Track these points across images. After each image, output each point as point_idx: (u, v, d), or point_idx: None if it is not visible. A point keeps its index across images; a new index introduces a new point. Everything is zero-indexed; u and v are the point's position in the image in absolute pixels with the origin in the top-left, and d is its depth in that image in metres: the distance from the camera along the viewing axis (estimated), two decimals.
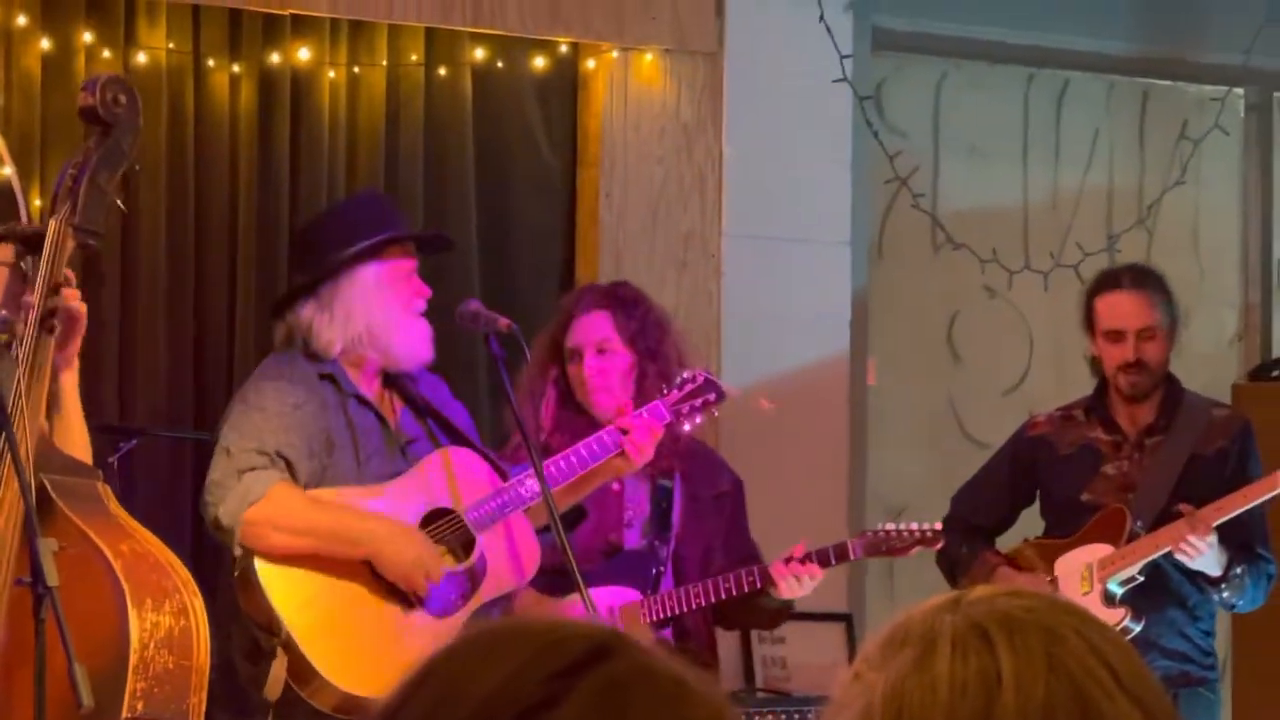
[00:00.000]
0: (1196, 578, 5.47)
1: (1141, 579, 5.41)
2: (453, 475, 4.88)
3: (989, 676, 1.43)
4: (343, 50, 6.16)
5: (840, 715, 1.47)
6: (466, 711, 1.34)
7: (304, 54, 6.10)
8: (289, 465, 4.73)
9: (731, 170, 6.51)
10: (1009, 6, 7.04)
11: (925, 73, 7.16)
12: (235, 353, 5.98)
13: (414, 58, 6.25)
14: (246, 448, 4.71)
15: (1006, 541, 5.73)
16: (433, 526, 4.82)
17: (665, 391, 5.12)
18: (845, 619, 6.46)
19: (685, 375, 5.16)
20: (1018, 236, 7.23)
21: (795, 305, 6.56)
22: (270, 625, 4.63)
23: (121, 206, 4.35)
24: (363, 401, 4.87)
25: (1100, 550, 5.45)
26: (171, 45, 5.96)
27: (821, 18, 6.41)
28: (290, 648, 4.61)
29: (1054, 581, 5.47)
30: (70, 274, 3.92)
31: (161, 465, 5.88)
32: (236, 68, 6.05)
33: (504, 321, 4.88)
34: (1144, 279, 5.64)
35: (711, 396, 5.14)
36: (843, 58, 6.48)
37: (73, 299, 3.89)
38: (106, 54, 5.86)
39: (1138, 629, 5.35)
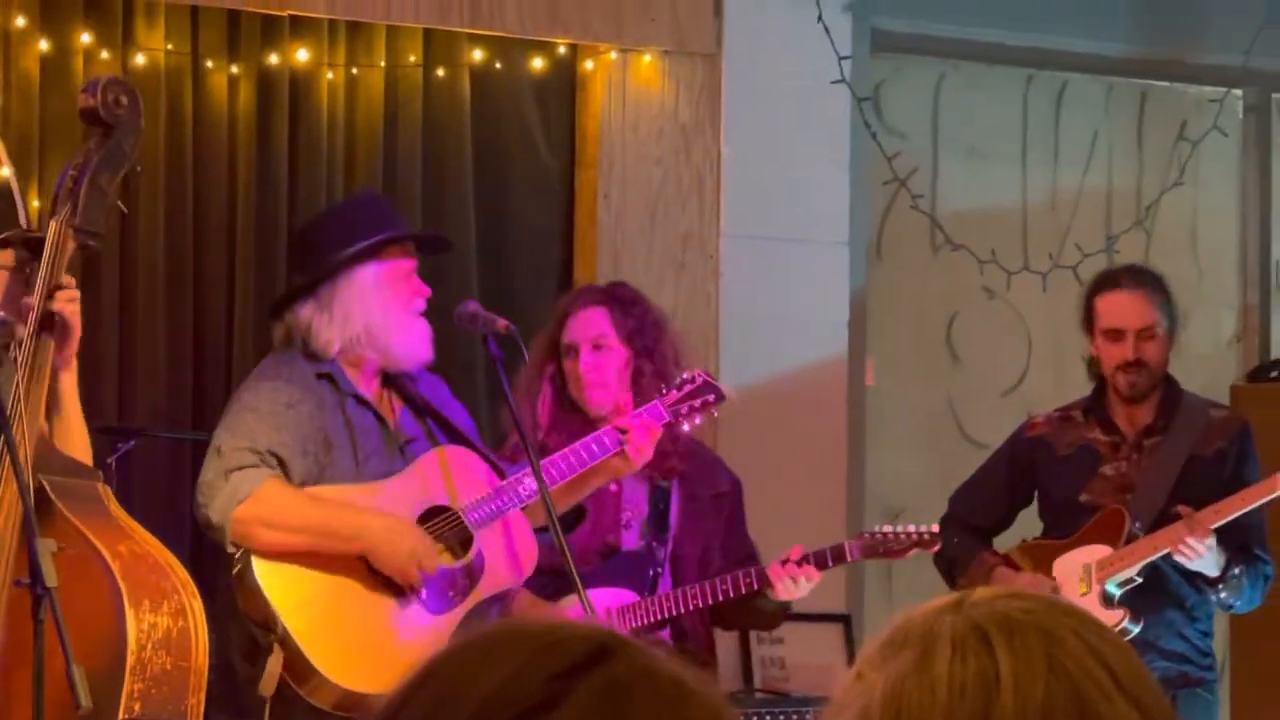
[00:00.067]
0: (1194, 578, 5.47)
1: (1140, 580, 5.41)
2: (450, 473, 4.88)
3: (987, 678, 1.43)
4: (341, 51, 6.17)
5: (840, 715, 1.47)
6: (466, 713, 1.34)
7: (302, 55, 6.10)
8: (281, 463, 4.73)
9: (730, 171, 6.51)
10: (1008, 8, 7.04)
11: (924, 74, 7.17)
12: (234, 353, 5.99)
13: (412, 59, 6.25)
14: (237, 446, 4.72)
15: (1004, 542, 5.74)
16: (430, 524, 4.82)
17: (664, 392, 5.12)
18: (844, 620, 6.46)
19: (685, 376, 5.16)
20: (1016, 237, 7.23)
21: (794, 306, 6.56)
22: (267, 622, 4.63)
23: (122, 208, 4.35)
24: (361, 401, 4.87)
25: (1099, 551, 5.45)
26: (170, 46, 5.96)
27: (820, 19, 6.41)
28: (288, 645, 4.61)
29: (1053, 583, 5.47)
30: (70, 279, 3.92)
31: (160, 466, 5.88)
32: (235, 69, 6.05)
33: (502, 323, 4.88)
34: (1144, 279, 5.64)
35: (711, 397, 5.14)
36: (841, 59, 6.48)
37: (67, 304, 3.89)
38: (105, 55, 5.86)
39: (1136, 630, 5.35)
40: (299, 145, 6.11)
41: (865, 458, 6.81)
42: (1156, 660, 5.39)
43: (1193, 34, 7.30)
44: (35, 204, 5.47)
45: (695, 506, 5.38)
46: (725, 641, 5.89)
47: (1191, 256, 7.51)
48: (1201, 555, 5.30)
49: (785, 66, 6.54)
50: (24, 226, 4.08)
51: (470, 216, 6.30)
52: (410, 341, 4.90)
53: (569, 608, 4.94)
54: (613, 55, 6.43)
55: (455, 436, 4.95)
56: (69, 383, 3.96)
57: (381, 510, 4.76)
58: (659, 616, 5.18)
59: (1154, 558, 5.38)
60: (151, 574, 3.81)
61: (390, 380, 4.95)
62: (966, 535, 5.65)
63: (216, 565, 4.88)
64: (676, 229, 6.48)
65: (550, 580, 5.00)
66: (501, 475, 4.91)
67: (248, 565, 4.66)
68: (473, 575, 4.84)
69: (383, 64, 6.21)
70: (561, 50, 6.41)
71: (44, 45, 5.81)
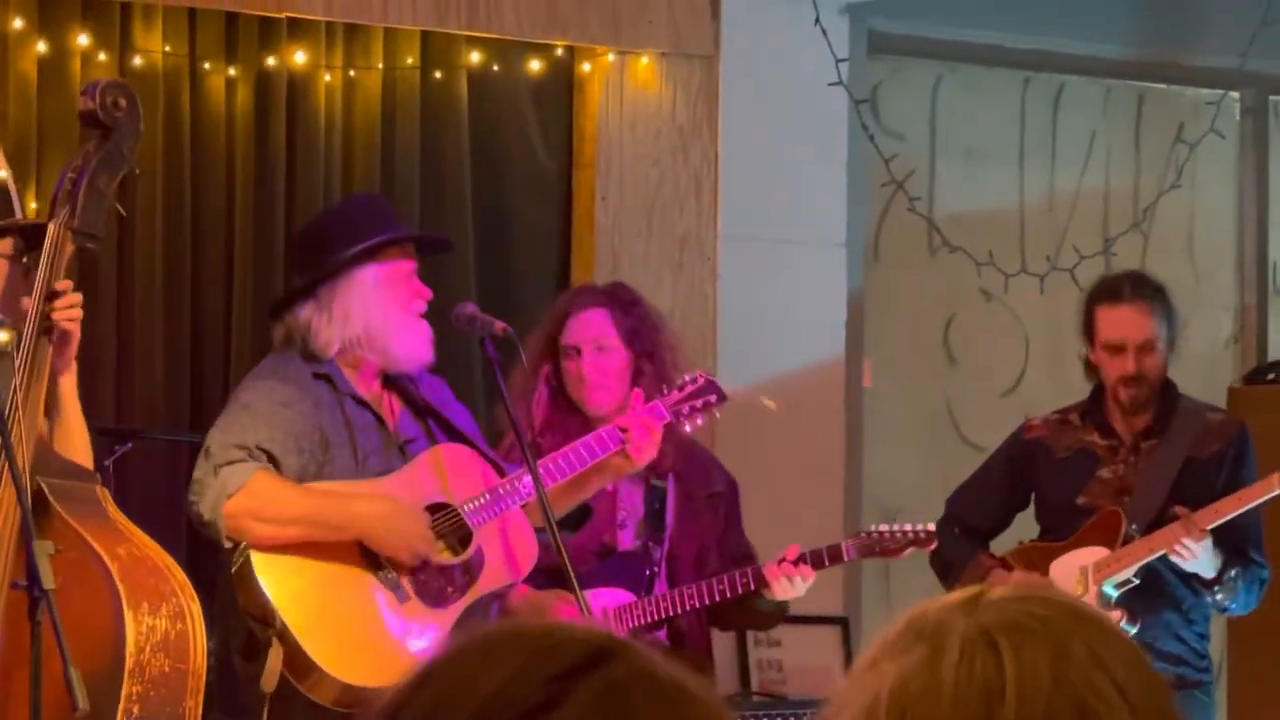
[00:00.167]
0: (1191, 580, 5.47)
1: (1137, 581, 5.42)
2: (448, 471, 4.88)
3: (991, 688, 1.44)
4: (338, 53, 6.17)
5: (851, 702, 1.47)
6: (466, 714, 1.34)
7: (300, 57, 6.09)
8: (272, 459, 4.72)
9: (727, 172, 6.51)
10: (1005, 10, 7.04)
11: (921, 76, 7.17)
12: (232, 354, 5.99)
13: (410, 61, 6.25)
14: (227, 444, 4.71)
15: (1001, 545, 5.74)
16: (431, 520, 4.82)
17: (665, 392, 5.12)
18: (841, 622, 6.46)
19: (686, 376, 5.16)
20: (1014, 239, 7.24)
21: (791, 307, 6.56)
22: (265, 617, 4.63)
23: (121, 210, 4.36)
24: (359, 401, 4.87)
25: (1095, 553, 5.45)
26: (168, 48, 5.96)
27: (817, 21, 6.41)
28: (287, 640, 4.61)
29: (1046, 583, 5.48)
30: (69, 284, 3.92)
31: (158, 467, 5.88)
32: (232, 71, 6.05)
33: (500, 325, 4.88)
34: (1145, 290, 5.60)
35: (712, 398, 5.14)
36: (838, 61, 6.48)
37: (66, 311, 3.89)
38: (102, 57, 5.86)
39: (1133, 631, 5.35)
40: (297, 147, 6.11)
41: (863, 459, 6.81)
42: (1153, 662, 5.38)
43: (1190, 36, 7.30)
44: (33, 206, 5.47)
45: (691, 506, 5.38)
46: (722, 644, 5.89)
47: (1189, 258, 7.52)
48: (1197, 556, 5.31)
49: (783, 68, 6.54)
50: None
51: (468, 218, 6.30)
52: (410, 343, 4.89)
53: (566, 602, 4.93)
54: (610, 57, 6.43)
55: (456, 438, 4.95)
56: (69, 385, 3.96)
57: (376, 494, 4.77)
58: (656, 617, 5.17)
59: (1150, 559, 5.38)
60: (150, 577, 3.81)
61: (391, 382, 4.94)
62: (963, 537, 5.65)
63: (214, 566, 4.88)
64: (674, 230, 6.48)
65: (548, 580, 5.00)
66: (503, 474, 4.91)
67: (247, 560, 4.66)
68: (472, 572, 4.84)
69: (380, 66, 6.21)
70: (559, 52, 6.41)
71: (41, 47, 5.81)
